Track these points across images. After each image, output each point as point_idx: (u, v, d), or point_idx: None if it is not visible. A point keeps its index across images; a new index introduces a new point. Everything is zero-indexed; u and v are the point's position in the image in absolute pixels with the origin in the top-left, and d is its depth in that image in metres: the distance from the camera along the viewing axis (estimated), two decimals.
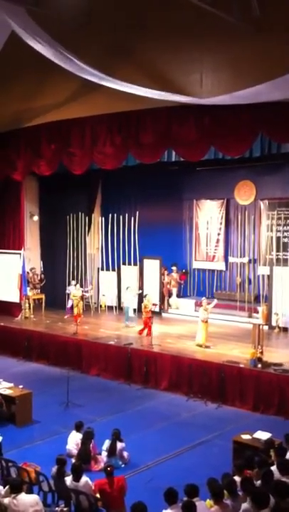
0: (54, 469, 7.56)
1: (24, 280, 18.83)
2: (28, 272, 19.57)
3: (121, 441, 9.27)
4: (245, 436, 8.97)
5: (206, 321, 14.53)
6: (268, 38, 10.61)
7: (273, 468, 6.82)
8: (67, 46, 10.63)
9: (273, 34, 10.54)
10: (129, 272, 19.95)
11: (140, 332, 15.95)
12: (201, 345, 14.36)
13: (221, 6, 10.25)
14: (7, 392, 11.27)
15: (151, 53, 12.21)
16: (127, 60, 12.20)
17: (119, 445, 9.21)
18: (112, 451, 9.16)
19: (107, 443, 9.27)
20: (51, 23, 10.67)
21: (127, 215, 19.95)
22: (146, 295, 16.79)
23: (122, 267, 20.21)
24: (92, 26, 11.99)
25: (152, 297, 17.75)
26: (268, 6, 10.46)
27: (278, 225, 17.99)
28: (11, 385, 11.68)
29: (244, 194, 18.88)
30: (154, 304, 16.59)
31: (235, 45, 11.17)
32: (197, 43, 11.61)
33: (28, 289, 19.26)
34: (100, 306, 20.26)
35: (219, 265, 19.80)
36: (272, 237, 18.07)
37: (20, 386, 11.58)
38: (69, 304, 18.26)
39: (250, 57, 11.15)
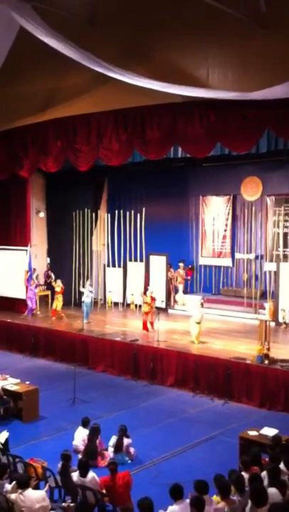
0: (59, 465, 7.58)
1: (30, 276, 18.84)
2: (34, 269, 19.60)
3: (127, 437, 9.28)
4: (252, 433, 8.95)
5: (200, 322, 14.51)
6: (275, 35, 10.55)
7: (281, 465, 6.82)
8: (77, 42, 10.61)
9: (280, 30, 10.48)
10: (135, 269, 19.95)
11: (144, 328, 16.00)
12: (194, 342, 14.35)
13: (229, 3, 10.23)
14: (14, 388, 11.30)
15: (160, 49, 12.18)
16: (137, 56, 12.18)
17: (126, 441, 9.22)
18: (118, 447, 9.17)
19: (113, 439, 9.28)
20: (58, 19, 10.66)
21: (133, 211, 19.94)
22: (148, 291, 16.73)
23: (128, 263, 20.20)
24: (100, 23, 11.96)
25: (157, 293, 17.87)
26: (275, 2, 10.41)
27: (285, 221, 17.94)
28: (18, 381, 11.72)
29: (250, 190, 18.83)
30: (152, 299, 16.60)
31: (242, 42, 11.14)
32: (205, 40, 11.56)
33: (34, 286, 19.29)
34: (106, 302, 20.28)
35: (226, 261, 19.76)
36: (278, 233, 18.01)
37: (27, 382, 11.62)
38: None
39: (257, 54, 11.12)
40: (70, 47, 10.71)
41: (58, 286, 18.09)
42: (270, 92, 10.80)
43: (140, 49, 12.21)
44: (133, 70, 11.43)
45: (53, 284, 18.60)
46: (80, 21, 11.73)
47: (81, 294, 17.47)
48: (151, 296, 16.37)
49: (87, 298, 16.95)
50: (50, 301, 19.55)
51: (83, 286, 17.69)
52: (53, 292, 18.60)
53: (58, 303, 17.99)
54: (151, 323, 15.96)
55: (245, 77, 11.45)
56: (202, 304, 15.32)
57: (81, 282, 19.91)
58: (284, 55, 10.68)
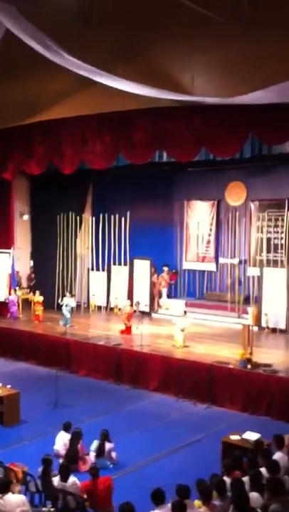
0: (40, 469, 7.51)
1: (14, 279, 18.73)
2: (17, 272, 19.50)
3: (109, 441, 9.23)
4: (234, 437, 8.95)
5: (184, 330, 14.53)
6: (260, 40, 10.61)
7: (262, 469, 6.81)
8: (64, 44, 10.57)
9: (265, 36, 10.54)
10: (119, 272, 19.91)
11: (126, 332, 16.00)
12: (179, 347, 14.34)
13: (213, 7, 10.26)
14: None
15: (146, 54, 12.18)
16: (123, 59, 12.17)
17: (108, 446, 9.17)
18: (100, 451, 9.11)
19: (95, 443, 9.22)
20: (45, 21, 10.60)
21: (117, 215, 19.90)
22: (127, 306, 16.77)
23: (113, 267, 20.16)
24: (87, 25, 11.93)
25: (141, 297, 17.91)
26: (260, 8, 10.47)
27: (268, 226, 18.04)
28: None
29: (235, 195, 18.93)
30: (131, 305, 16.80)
31: (227, 47, 11.16)
32: (190, 45, 11.59)
33: (18, 288, 19.20)
34: (90, 306, 20.20)
35: (210, 266, 19.82)
36: (262, 239, 18.10)
37: (8, 386, 11.50)
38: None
39: (242, 59, 11.16)
40: (54, 52, 10.66)
41: (38, 299, 17.97)
42: (254, 97, 10.86)
43: (126, 52, 12.19)
44: (119, 73, 11.41)
45: (32, 297, 18.40)
46: (67, 23, 11.67)
47: (60, 306, 17.38)
48: (129, 313, 16.35)
49: (67, 308, 16.88)
50: (32, 304, 19.42)
51: (61, 300, 17.55)
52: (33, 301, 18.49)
53: (40, 312, 17.90)
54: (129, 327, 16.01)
55: (231, 82, 11.49)
56: (185, 312, 15.39)
57: (65, 284, 19.86)
58: (269, 60, 10.74)
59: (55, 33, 10.49)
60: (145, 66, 12.06)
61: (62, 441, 9.28)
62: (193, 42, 11.56)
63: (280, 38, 10.36)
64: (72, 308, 17.14)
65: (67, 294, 17.63)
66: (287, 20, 10.21)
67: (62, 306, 17.06)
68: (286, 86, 9.97)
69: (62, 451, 9.14)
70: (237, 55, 11.13)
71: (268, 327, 16.51)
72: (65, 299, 17.18)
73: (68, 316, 16.76)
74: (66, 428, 9.41)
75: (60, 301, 17.48)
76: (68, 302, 16.93)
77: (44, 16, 10.46)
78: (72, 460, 8.68)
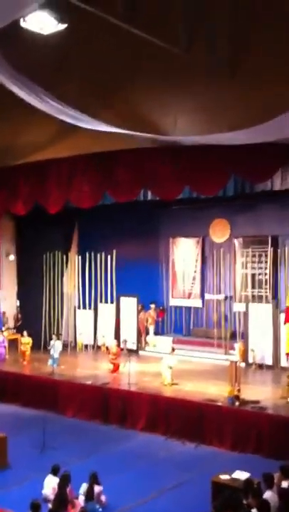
0: None
1: (0, 320, 18.64)
2: (3, 312, 19.42)
3: (98, 484, 9.11)
4: (224, 477, 8.90)
5: (172, 367, 14.54)
6: (242, 84, 10.96)
7: (253, 510, 6.79)
8: (44, 87, 10.80)
9: (247, 80, 10.89)
10: (106, 310, 19.91)
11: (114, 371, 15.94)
12: (167, 384, 14.30)
13: (194, 52, 10.64)
14: None
15: (127, 96, 12.49)
16: (103, 103, 12.45)
17: (97, 488, 9.05)
18: (89, 495, 8.98)
19: (84, 486, 9.09)
20: (26, 65, 10.85)
21: (103, 253, 20.02)
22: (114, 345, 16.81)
23: (99, 305, 20.17)
24: (68, 69, 12.24)
25: (128, 335, 17.98)
26: (241, 52, 10.85)
27: (253, 262, 18.24)
28: None
29: (219, 232, 19.17)
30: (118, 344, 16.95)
31: (209, 90, 11.49)
32: (171, 87, 11.92)
33: (4, 329, 19.08)
34: (77, 344, 20.10)
35: (196, 302, 19.90)
36: (247, 274, 18.28)
37: None
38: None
39: (224, 102, 11.48)
40: (34, 96, 10.87)
41: (28, 343, 17.88)
42: (233, 136, 11.11)
43: (107, 97, 12.51)
44: (100, 117, 11.64)
45: (20, 338, 18.27)
46: (48, 67, 11.96)
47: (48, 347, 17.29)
48: (117, 352, 16.35)
49: (56, 346, 16.82)
50: (19, 344, 19.27)
51: (49, 345, 17.45)
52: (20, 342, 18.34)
53: (28, 352, 17.79)
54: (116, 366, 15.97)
55: (212, 123, 11.79)
56: (173, 349, 15.41)
57: (52, 323, 19.80)
58: (249, 101, 11.08)
59: (35, 77, 10.73)
60: (126, 110, 12.35)
61: (50, 485, 9.15)
62: (174, 84, 11.89)
63: (258, 82, 10.72)
64: (59, 350, 16.99)
65: (54, 336, 17.55)
66: (266, 65, 10.58)
67: (50, 348, 16.98)
68: (263, 128, 10.24)
69: (51, 496, 8.98)
70: (219, 99, 11.44)
71: (255, 363, 16.52)
72: (51, 342, 17.09)
73: (56, 356, 16.65)
74: (54, 471, 9.28)
75: (48, 346, 17.35)
76: (55, 345, 16.83)
77: (24, 60, 10.72)
78: (61, 504, 8.54)
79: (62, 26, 9.38)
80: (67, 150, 14.70)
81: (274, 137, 11.07)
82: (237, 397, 12.50)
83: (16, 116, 13.77)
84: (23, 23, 9.21)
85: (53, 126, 13.56)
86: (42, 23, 9.28)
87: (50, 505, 8.41)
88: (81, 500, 8.99)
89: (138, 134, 11.82)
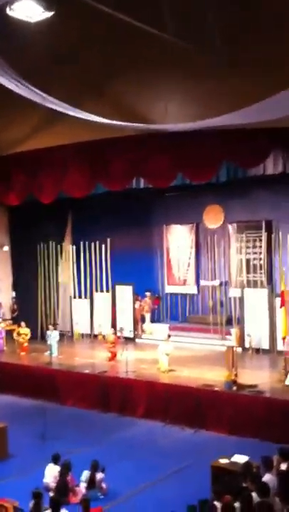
0: (31, 504, 7.46)
1: None
2: None
3: (100, 471, 9.19)
4: (223, 461, 8.98)
5: (169, 354, 14.61)
6: (230, 71, 10.92)
7: (252, 493, 6.85)
8: (34, 79, 10.72)
9: (237, 69, 10.86)
10: (102, 299, 19.95)
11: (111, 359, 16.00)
12: (164, 371, 14.38)
13: (184, 38, 10.56)
14: None
15: (117, 87, 12.43)
16: (94, 94, 12.39)
17: (98, 476, 9.13)
18: (91, 483, 9.06)
19: (85, 474, 9.17)
20: (15, 56, 10.77)
21: (98, 242, 20.02)
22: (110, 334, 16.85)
23: (95, 294, 20.20)
24: (58, 61, 12.14)
25: (124, 323, 18.06)
26: (232, 42, 10.78)
27: (247, 247, 18.27)
28: None
29: (213, 218, 19.18)
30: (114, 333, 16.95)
31: (198, 78, 11.45)
32: (163, 77, 11.87)
33: (0, 320, 19.10)
34: (74, 334, 20.14)
35: (191, 289, 19.96)
36: (241, 260, 18.32)
37: None
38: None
39: (214, 89, 11.46)
40: (23, 87, 10.78)
41: (25, 333, 17.88)
42: (222, 120, 11.06)
43: (95, 85, 12.44)
44: (89, 107, 11.57)
45: (17, 329, 18.29)
46: (36, 59, 11.87)
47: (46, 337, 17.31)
48: (114, 340, 16.39)
49: (53, 337, 16.85)
50: (16, 335, 19.27)
51: (45, 335, 17.50)
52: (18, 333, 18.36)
53: (25, 343, 17.83)
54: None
55: (202, 109, 11.76)
56: (169, 336, 15.46)
57: (48, 314, 19.84)
58: (241, 90, 11.05)
59: (24, 68, 10.65)
60: (115, 98, 12.29)
61: (51, 473, 9.23)
62: (164, 72, 11.85)
63: (248, 70, 10.68)
64: (56, 340, 17.04)
65: (50, 326, 17.59)
66: (260, 50, 10.54)
67: (47, 338, 17.02)
68: (252, 109, 10.20)
69: (52, 484, 9.07)
70: (209, 86, 11.41)
71: (251, 348, 16.62)
72: (48, 332, 17.13)
73: (54, 346, 16.70)
74: (55, 460, 9.35)
75: (45, 336, 17.38)
76: (52, 335, 16.88)
77: (14, 52, 10.63)
78: (62, 492, 8.61)
79: (49, 14, 9.29)
80: (56, 139, 14.65)
81: (266, 117, 10.99)
82: (234, 382, 12.59)
83: (3, 107, 13.67)
84: (9, 12, 9.13)
85: (40, 114, 13.46)
86: (29, 10, 9.20)
87: (51, 494, 8.48)
88: (82, 487, 9.07)
89: (127, 124, 11.75)
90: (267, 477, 7.47)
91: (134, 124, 11.87)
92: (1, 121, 14.61)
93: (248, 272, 18.11)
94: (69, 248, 20.77)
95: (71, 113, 11.94)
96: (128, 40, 11.10)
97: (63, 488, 8.85)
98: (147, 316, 19.83)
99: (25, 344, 17.75)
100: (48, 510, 7.29)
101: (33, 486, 8.00)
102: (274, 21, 10.26)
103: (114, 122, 11.68)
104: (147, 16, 9.95)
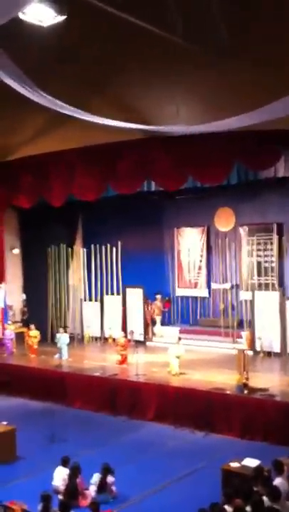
0: (39, 507, 7.41)
1: (6, 314, 18.66)
2: (10, 306, 19.44)
3: (111, 475, 9.12)
4: (234, 464, 8.89)
5: (179, 356, 14.52)
6: (240, 71, 10.86)
7: (263, 497, 6.77)
8: (42, 82, 10.72)
9: (245, 67, 10.79)
10: (112, 302, 19.91)
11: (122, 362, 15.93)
12: (175, 374, 14.30)
13: (191, 38, 10.51)
14: None
15: (124, 88, 12.40)
16: (100, 95, 12.37)
17: (109, 479, 9.06)
18: (102, 486, 8.98)
19: (95, 477, 9.11)
20: (24, 58, 10.78)
21: (108, 245, 20.02)
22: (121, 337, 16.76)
23: (105, 296, 20.17)
24: (64, 61, 12.13)
25: (135, 326, 18.04)
26: (240, 41, 10.72)
27: (258, 250, 18.18)
28: None
29: (224, 221, 19.09)
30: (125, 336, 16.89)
31: (209, 79, 11.40)
32: (172, 77, 11.82)
33: (11, 322, 19.13)
34: (84, 337, 20.12)
35: (202, 292, 19.87)
36: (253, 262, 18.22)
37: (4, 422, 11.38)
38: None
39: (224, 88, 11.40)
40: (29, 89, 10.78)
41: (35, 336, 17.90)
42: (233, 122, 11.00)
43: (103, 87, 12.42)
44: (97, 110, 11.54)
45: (27, 331, 18.32)
46: (41, 59, 11.87)
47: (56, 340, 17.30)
48: (124, 343, 16.31)
49: (63, 339, 16.84)
50: (26, 337, 19.28)
51: (56, 333, 17.52)
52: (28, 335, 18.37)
53: (35, 345, 17.84)
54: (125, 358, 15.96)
55: (212, 110, 11.71)
56: (180, 339, 15.38)
57: (58, 316, 19.86)
58: (250, 88, 10.98)
59: (30, 69, 10.65)
60: (123, 100, 12.27)
61: (60, 476, 9.16)
62: (172, 73, 11.79)
63: (258, 69, 10.61)
64: (66, 343, 17.02)
65: (60, 329, 17.59)
66: (263, 49, 10.47)
67: (56, 341, 17.02)
68: (262, 111, 10.13)
69: (62, 487, 9.01)
70: (219, 85, 11.35)
71: (262, 351, 16.50)
72: (58, 335, 17.13)
73: (64, 348, 16.68)
74: (64, 463, 9.29)
75: (55, 339, 17.38)
76: (62, 337, 16.87)
77: (20, 53, 10.62)
78: (71, 495, 8.58)
79: (62, 18, 9.28)
80: (65, 142, 14.65)
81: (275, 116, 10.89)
82: (245, 385, 12.49)
83: (11, 111, 13.69)
84: (22, 16, 9.13)
85: (48, 117, 13.45)
86: (41, 14, 9.20)
87: (60, 497, 8.44)
88: (92, 490, 9.01)
89: (136, 126, 11.71)
90: (278, 481, 7.39)
91: (143, 126, 11.82)
92: (10, 124, 14.62)
93: (259, 275, 18.01)
94: (79, 251, 20.78)
95: (79, 116, 11.94)
96: (133, 39, 11.06)
97: (73, 491, 8.80)
98: (158, 319, 19.76)
99: (35, 346, 17.76)
100: None
101: (41, 488, 7.96)
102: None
103: (124, 125, 11.64)
104: (151, 15, 9.90)
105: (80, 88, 12.17)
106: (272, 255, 17.91)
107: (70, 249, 20.63)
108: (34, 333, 17.91)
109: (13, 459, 10.85)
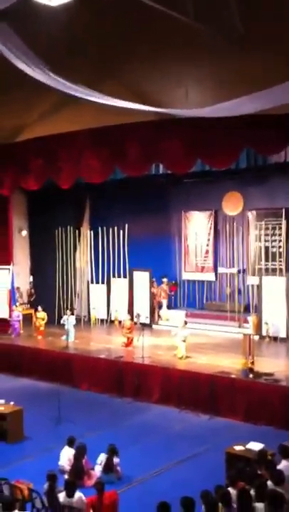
0: (45, 486, 7.51)
1: (13, 295, 18.75)
2: (18, 288, 19.55)
3: (117, 456, 9.22)
4: (238, 448, 8.98)
5: (185, 340, 14.57)
6: (251, 55, 10.73)
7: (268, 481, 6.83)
8: (53, 64, 10.64)
9: (256, 51, 10.66)
10: (119, 285, 19.97)
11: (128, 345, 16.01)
12: (181, 358, 14.37)
13: (203, 21, 10.38)
14: None
15: (137, 71, 12.30)
16: (114, 78, 12.27)
17: (115, 460, 9.17)
18: (108, 467, 9.10)
19: (101, 457, 9.22)
20: (36, 40, 10.70)
21: (116, 227, 20.00)
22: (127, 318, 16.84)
23: (112, 279, 20.22)
24: (78, 45, 12.03)
25: (141, 309, 18.10)
26: (251, 24, 10.57)
27: (266, 234, 18.12)
28: (2, 401, 11.60)
29: (232, 205, 18.99)
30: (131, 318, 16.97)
31: (219, 62, 11.28)
32: (182, 61, 11.70)
33: (18, 304, 19.25)
34: (91, 319, 20.22)
35: (209, 276, 19.86)
36: (260, 247, 18.18)
37: (12, 402, 11.51)
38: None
39: (235, 73, 11.27)
40: (41, 71, 10.70)
41: (42, 318, 17.99)
42: (237, 103, 10.88)
43: (115, 70, 12.32)
44: (107, 91, 11.45)
45: (36, 314, 18.40)
46: (53, 41, 11.77)
47: (63, 322, 17.38)
48: (130, 326, 16.38)
49: (70, 321, 16.92)
50: (34, 319, 19.41)
51: (63, 315, 17.62)
52: (35, 317, 18.47)
53: (42, 327, 17.95)
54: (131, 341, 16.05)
55: (223, 96, 11.59)
56: (186, 322, 15.41)
57: (65, 298, 19.95)
58: (260, 74, 10.85)
59: (41, 51, 10.56)
60: (133, 82, 12.16)
61: (66, 456, 9.29)
62: (184, 56, 11.67)
63: (269, 53, 10.48)
64: (73, 324, 17.11)
65: (67, 311, 17.68)
66: (277, 35, 10.33)
67: (63, 323, 17.11)
68: (270, 92, 10.00)
69: (67, 467, 9.14)
70: (229, 70, 11.23)
71: (268, 336, 16.53)
72: (64, 317, 17.21)
73: (71, 330, 16.78)
74: (70, 443, 9.41)
75: (62, 321, 17.47)
76: (69, 319, 16.96)
77: (32, 35, 10.53)
78: (77, 475, 8.69)
79: None
80: (74, 124, 14.56)
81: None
82: (251, 370, 12.54)
83: (20, 93, 13.61)
84: None
85: (59, 98, 13.36)
86: None
87: (66, 476, 8.55)
88: (97, 470, 9.13)
89: (145, 108, 11.62)
90: (283, 465, 7.46)
91: (152, 108, 11.73)
92: (19, 105, 14.55)
93: (266, 260, 17.98)
94: (87, 233, 20.80)
95: (89, 97, 11.86)
96: (146, 23, 10.94)
97: (78, 471, 8.91)
98: (164, 303, 19.81)
99: (42, 328, 17.89)
100: (62, 492, 7.34)
101: (47, 468, 8.05)
102: None
103: (133, 106, 11.54)
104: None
105: (91, 70, 12.08)
106: (280, 240, 17.85)
107: (77, 232, 20.64)
108: (41, 314, 18.03)
109: (20, 439, 11.00)
